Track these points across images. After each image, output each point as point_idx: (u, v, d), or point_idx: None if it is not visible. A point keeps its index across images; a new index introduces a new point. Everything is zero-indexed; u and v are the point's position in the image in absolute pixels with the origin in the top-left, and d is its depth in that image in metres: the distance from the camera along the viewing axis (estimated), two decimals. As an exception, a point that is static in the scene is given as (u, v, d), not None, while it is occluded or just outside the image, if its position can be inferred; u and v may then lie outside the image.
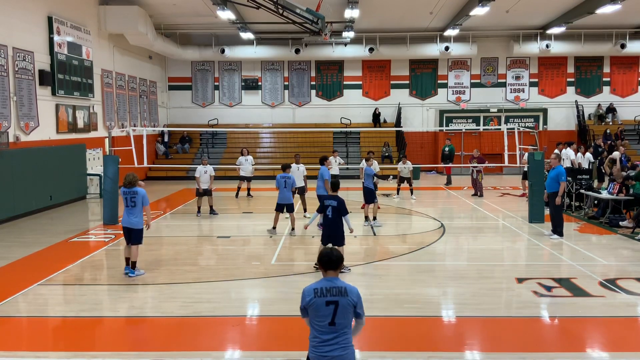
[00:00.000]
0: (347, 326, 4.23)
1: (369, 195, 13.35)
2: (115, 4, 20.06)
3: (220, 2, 18.73)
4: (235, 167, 18.38)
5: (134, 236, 9.18)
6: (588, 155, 18.04)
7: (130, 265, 9.17)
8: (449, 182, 21.86)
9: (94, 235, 12.78)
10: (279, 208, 12.48)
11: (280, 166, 13.22)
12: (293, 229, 12.38)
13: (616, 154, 16.36)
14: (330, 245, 4.08)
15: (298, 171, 14.45)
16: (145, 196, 9.20)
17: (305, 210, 14.49)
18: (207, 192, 14.88)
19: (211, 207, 15.10)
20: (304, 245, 11.60)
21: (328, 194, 9.41)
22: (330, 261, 4.29)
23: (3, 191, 14.12)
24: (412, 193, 18.01)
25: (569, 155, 18.07)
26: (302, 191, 14.58)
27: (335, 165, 16.92)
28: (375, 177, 13.68)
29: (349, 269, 9.23)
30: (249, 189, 18.23)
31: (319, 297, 4.21)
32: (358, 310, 4.25)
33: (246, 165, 17.84)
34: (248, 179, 18.04)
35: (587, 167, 17.16)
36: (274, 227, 12.48)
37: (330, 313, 4.17)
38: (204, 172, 14.78)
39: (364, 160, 14.46)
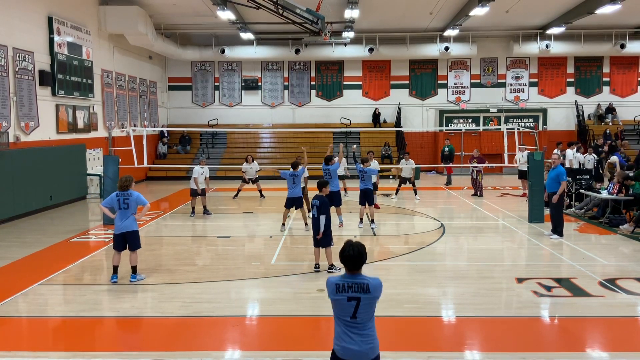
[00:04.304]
0: (369, 320, 4.22)
1: (368, 197, 13.23)
2: (115, 4, 20.07)
3: (220, 2, 18.73)
4: (237, 169, 18.55)
5: (131, 241, 8.81)
6: (589, 157, 17.83)
7: (132, 270, 8.93)
8: (449, 182, 21.86)
9: (94, 235, 12.79)
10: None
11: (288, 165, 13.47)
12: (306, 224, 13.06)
13: (614, 158, 16.34)
14: (353, 239, 4.23)
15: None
16: (140, 197, 8.82)
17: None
18: (202, 193, 15.02)
19: (205, 207, 15.20)
20: (304, 245, 11.60)
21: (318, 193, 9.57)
22: (350, 261, 4.24)
23: (3, 191, 14.13)
24: (415, 193, 17.95)
25: (567, 156, 17.94)
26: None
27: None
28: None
29: (339, 269, 9.12)
30: (260, 191, 18.27)
31: (340, 294, 4.19)
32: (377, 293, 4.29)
33: (251, 171, 18.02)
34: (254, 181, 18.10)
35: (591, 167, 17.02)
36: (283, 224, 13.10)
37: (352, 309, 4.16)
38: (201, 173, 14.91)
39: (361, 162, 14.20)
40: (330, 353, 4.31)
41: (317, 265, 9.40)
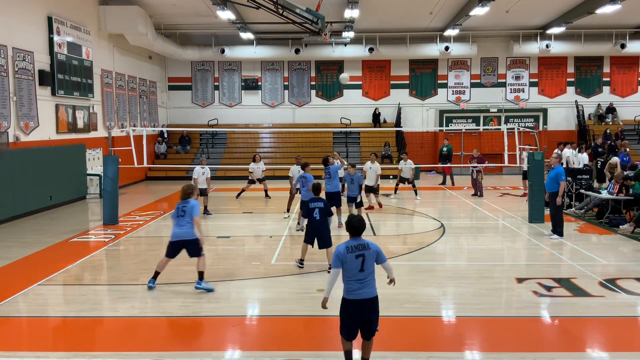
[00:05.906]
0: (372, 272, 5.55)
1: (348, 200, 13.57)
2: (115, 4, 20.06)
3: (220, 2, 18.73)
4: (237, 169, 18.47)
5: (192, 249, 8.37)
6: (583, 156, 17.81)
7: (199, 275, 8.40)
8: (444, 182, 21.78)
9: (94, 235, 12.78)
10: None
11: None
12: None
13: (615, 159, 16.34)
14: (355, 212, 5.86)
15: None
16: (196, 207, 8.46)
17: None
18: (203, 193, 14.98)
19: (205, 207, 15.17)
20: (304, 245, 11.59)
21: (313, 196, 9.73)
22: (357, 229, 5.58)
23: (3, 191, 14.12)
24: (416, 194, 17.93)
25: (566, 155, 17.93)
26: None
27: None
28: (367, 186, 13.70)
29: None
30: (266, 191, 18.23)
31: (350, 253, 5.47)
32: (381, 257, 5.61)
33: (258, 171, 17.97)
34: (261, 180, 18.05)
35: (580, 167, 17.03)
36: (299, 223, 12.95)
37: (359, 263, 5.45)
38: (202, 174, 14.87)
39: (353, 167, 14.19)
40: (340, 302, 5.56)
41: (302, 261, 9.57)
